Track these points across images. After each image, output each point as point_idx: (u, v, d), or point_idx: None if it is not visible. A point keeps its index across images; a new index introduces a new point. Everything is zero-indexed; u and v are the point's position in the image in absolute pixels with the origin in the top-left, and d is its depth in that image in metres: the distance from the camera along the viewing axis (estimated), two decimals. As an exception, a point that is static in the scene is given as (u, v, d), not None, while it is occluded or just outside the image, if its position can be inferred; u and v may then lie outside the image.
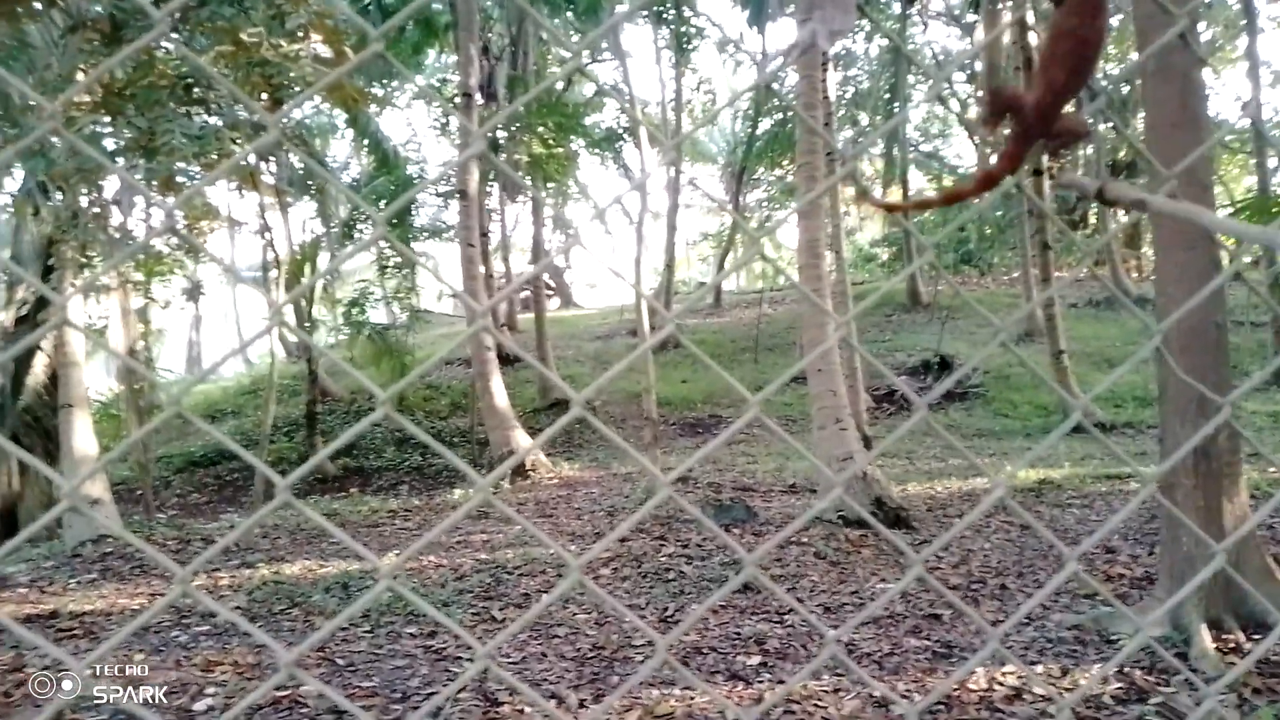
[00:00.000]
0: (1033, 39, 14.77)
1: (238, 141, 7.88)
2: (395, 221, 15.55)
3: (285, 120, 10.70)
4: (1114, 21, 16.60)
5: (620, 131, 19.45)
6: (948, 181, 20.92)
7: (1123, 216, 22.83)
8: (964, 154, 22.72)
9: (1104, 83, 18.85)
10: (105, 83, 7.12)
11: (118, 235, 8.66)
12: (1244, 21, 17.25)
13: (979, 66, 18.94)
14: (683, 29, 16.78)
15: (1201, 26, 17.46)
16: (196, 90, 7.66)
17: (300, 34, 7.46)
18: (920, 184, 22.22)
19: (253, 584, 5.80)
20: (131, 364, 10.94)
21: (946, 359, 15.66)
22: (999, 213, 20.01)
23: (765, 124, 20.50)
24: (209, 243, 12.07)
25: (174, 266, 12.81)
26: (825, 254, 8.61)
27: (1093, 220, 22.33)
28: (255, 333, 0.86)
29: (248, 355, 19.87)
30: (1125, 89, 19.63)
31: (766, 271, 23.44)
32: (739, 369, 15.97)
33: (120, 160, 7.79)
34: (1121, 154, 20.67)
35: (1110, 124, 19.27)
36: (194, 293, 16.30)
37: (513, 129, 15.05)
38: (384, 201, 15.29)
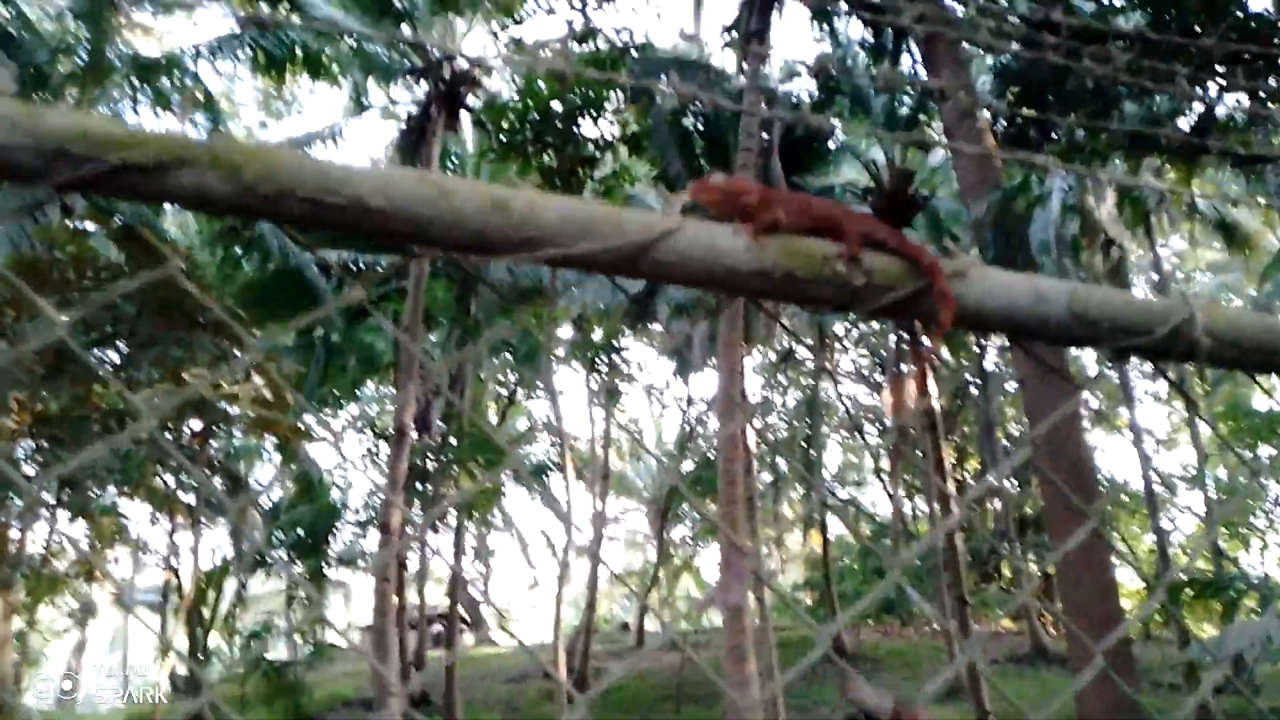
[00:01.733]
0: (935, 404, 15.95)
1: (159, 474, 7.85)
2: (312, 549, 15.17)
3: (212, 448, 10.74)
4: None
5: (550, 465, 19.85)
6: (866, 529, 21.49)
7: (1034, 568, 23.43)
8: (879, 501, 23.61)
9: (1005, 445, 20.24)
10: (36, 411, 7.17)
11: (15, 560, 8.26)
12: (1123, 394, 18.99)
13: (889, 422, 20.24)
14: (612, 379, 17.81)
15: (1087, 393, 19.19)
16: (128, 421, 7.73)
17: (242, 376, 7.73)
18: (839, 529, 22.77)
19: None
20: None
21: (871, 716, 15.11)
22: (919, 561, 20.39)
23: (688, 464, 21.17)
24: (110, 564, 11.53)
25: (67, 589, 12.12)
26: (748, 601, 8.58)
27: (1007, 573, 22.85)
28: None
29: (129, 690, 18.22)
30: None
31: (691, 612, 23.01)
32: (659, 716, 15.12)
33: (35, 486, 7.63)
34: (1027, 508, 21.65)
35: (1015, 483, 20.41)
36: (83, 616, 15.26)
37: (442, 461, 15.27)
38: (300, 529, 14.99)
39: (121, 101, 11.01)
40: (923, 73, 10.85)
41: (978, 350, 17.25)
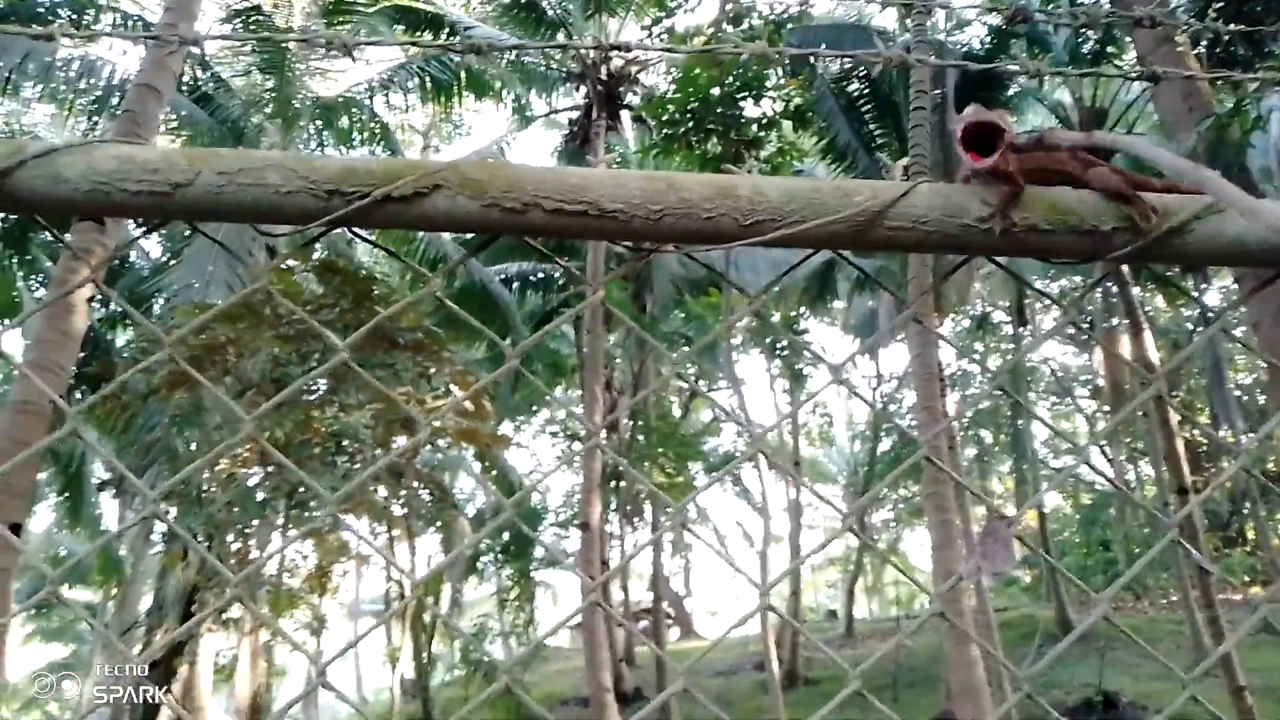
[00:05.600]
0: (1153, 355, 14.64)
1: (377, 491, 8.28)
2: (517, 552, 15.69)
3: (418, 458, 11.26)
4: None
5: (737, 455, 19.71)
6: (1086, 499, 20.06)
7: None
8: (1097, 466, 21.91)
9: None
10: (266, 439, 7.70)
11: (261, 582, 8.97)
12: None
13: (1101, 383, 18.82)
14: (794, 360, 17.44)
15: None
16: (345, 443, 8.22)
17: (443, 389, 8.05)
18: (1055, 500, 21.39)
19: None
20: None
21: (1111, 697, 14.07)
22: (1146, 529, 18.86)
23: (885, 444, 20.47)
24: (337, 580, 12.33)
25: (301, 602, 13.04)
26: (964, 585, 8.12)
27: (1251, 534, 20.78)
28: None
29: (362, 693, 19.54)
30: (1262, 398, 19.06)
31: (900, 597, 22.24)
32: (877, 710, 14.66)
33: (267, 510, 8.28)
34: (1271, 464, 19.59)
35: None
36: (318, 628, 16.40)
37: (633, 459, 15.42)
38: (507, 534, 15.52)
39: (309, 143, 11.77)
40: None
41: (1197, 294, 15.71)
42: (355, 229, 0.98)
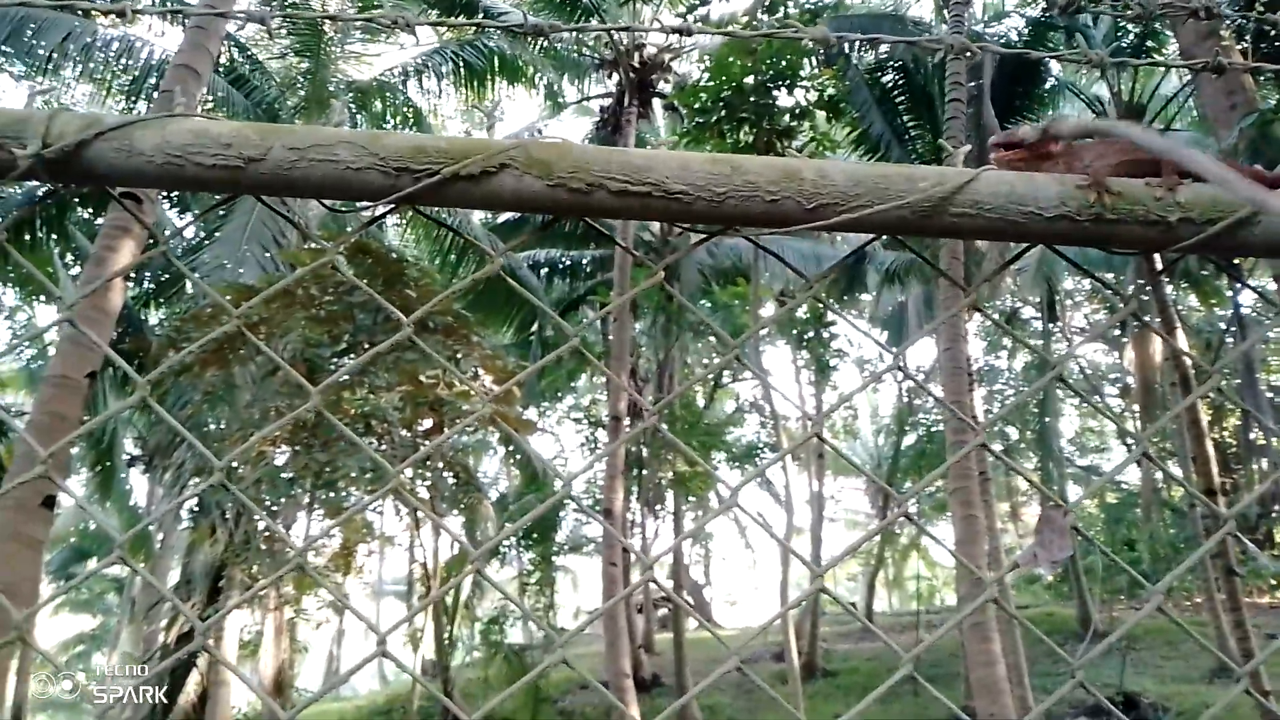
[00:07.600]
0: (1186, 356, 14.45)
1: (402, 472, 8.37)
2: (539, 537, 15.76)
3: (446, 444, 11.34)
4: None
5: (761, 446, 19.67)
6: (1111, 498, 19.85)
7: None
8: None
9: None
10: (296, 422, 7.81)
11: (286, 560, 9.06)
12: None
13: (1131, 381, 18.61)
14: (822, 352, 17.34)
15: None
16: (374, 424, 8.29)
17: (472, 373, 8.10)
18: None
19: None
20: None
21: (1131, 697, 13.96)
22: (1172, 530, 18.66)
23: (910, 439, 20.36)
24: (360, 559, 12.46)
25: (324, 581, 13.19)
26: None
27: (1280, 538, 20.50)
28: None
29: (384, 672, 19.73)
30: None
31: (922, 591, 22.13)
32: (898, 702, 14.64)
33: (296, 490, 8.38)
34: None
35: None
36: (340, 607, 16.59)
37: (656, 447, 15.43)
38: (528, 517, 15.60)
39: (343, 125, 11.84)
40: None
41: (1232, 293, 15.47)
42: (420, 207, 0.98)
